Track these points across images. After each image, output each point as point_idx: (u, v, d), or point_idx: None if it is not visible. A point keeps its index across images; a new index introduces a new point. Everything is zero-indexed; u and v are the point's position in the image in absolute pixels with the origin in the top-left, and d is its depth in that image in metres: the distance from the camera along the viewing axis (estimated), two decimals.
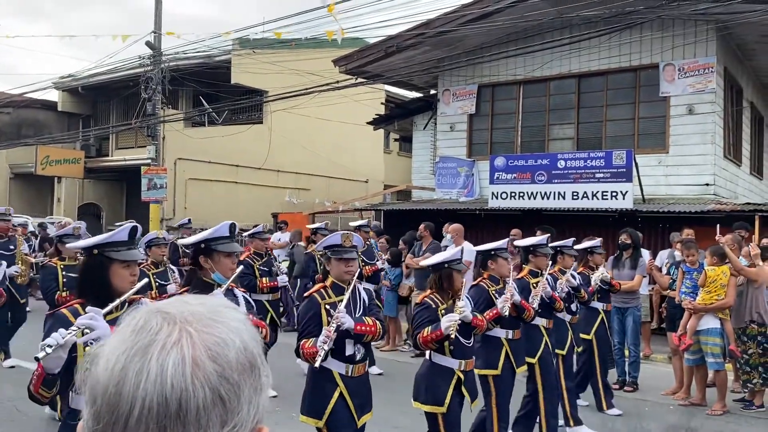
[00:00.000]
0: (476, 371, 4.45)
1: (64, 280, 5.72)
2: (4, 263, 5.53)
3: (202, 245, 3.48)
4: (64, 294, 5.63)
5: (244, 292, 3.79)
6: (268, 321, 6.56)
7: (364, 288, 3.80)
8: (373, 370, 7.49)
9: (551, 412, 5.22)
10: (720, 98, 11.36)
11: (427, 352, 4.16)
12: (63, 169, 19.61)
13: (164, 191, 15.95)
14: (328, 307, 3.65)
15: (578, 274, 6.24)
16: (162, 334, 0.69)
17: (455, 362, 4.08)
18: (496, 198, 11.67)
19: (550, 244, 5.64)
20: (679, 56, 11.30)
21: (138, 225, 3.17)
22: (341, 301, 3.63)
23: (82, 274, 3.03)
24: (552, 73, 12.50)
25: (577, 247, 6.55)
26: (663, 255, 9.11)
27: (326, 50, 15.91)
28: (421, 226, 9.12)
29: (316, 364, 3.44)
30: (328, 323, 3.56)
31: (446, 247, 9.10)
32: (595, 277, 6.29)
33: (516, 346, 4.91)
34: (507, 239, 5.80)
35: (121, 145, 20.69)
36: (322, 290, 3.76)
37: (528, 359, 5.18)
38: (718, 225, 7.19)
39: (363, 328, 3.66)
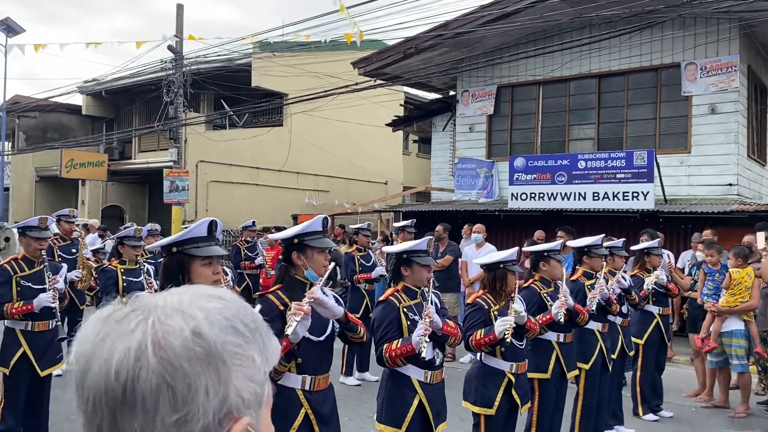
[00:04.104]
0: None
1: (124, 284, 5.44)
2: (65, 266, 5.53)
3: (295, 240, 3.22)
4: (124, 300, 5.44)
5: (332, 290, 3.62)
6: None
7: (433, 291, 3.68)
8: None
9: (587, 420, 5.13)
10: (743, 97, 11.21)
11: (478, 354, 4.12)
12: (87, 172, 19.93)
13: (186, 193, 16.13)
14: (405, 310, 3.57)
15: (632, 276, 6.04)
16: (123, 324, 0.73)
17: (506, 364, 4.03)
18: (516, 199, 11.63)
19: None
20: (701, 55, 11.18)
21: (216, 219, 2.97)
22: (425, 301, 3.56)
23: (162, 275, 2.91)
24: (572, 73, 12.44)
25: (633, 248, 6.44)
26: (686, 256, 9.03)
27: (345, 53, 15.98)
28: (441, 228, 9.10)
29: (423, 355, 3.36)
30: (408, 327, 3.49)
31: (476, 243, 9.05)
32: (649, 281, 6.03)
33: (567, 349, 4.79)
34: (560, 240, 5.53)
35: (144, 148, 20.96)
36: (396, 294, 3.66)
37: (580, 364, 5.07)
38: (757, 225, 7.07)
39: (449, 329, 3.60)
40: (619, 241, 5.89)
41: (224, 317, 0.74)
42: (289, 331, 2.87)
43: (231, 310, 0.76)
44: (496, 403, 3.97)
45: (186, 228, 3.03)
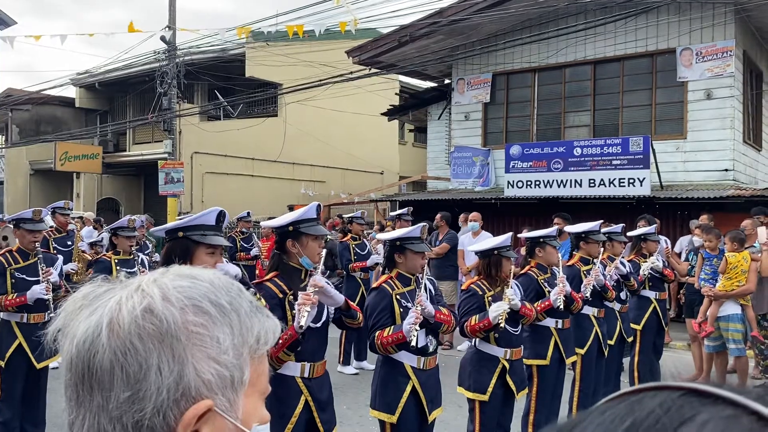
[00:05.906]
0: (524, 361, 4.38)
1: (118, 275, 5.51)
2: (61, 258, 5.53)
3: (290, 228, 3.23)
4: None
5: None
6: None
7: (427, 278, 3.70)
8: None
9: (584, 405, 5.13)
10: (739, 82, 11.19)
11: (473, 340, 4.13)
12: (81, 165, 19.83)
13: (181, 185, 16.08)
14: (398, 297, 3.57)
15: (629, 261, 6.02)
16: (95, 302, 0.73)
17: (500, 350, 4.04)
18: (512, 187, 11.62)
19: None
20: (696, 40, 11.14)
21: (225, 210, 3.02)
22: (418, 288, 3.56)
23: (163, 258, 2.93)
24: (567, 59, 12.39)
25: (630, 233, 6.43)
26: (683, 241, 9.04)
27: (339, 41, 15.88)
28: (438, 216, 9.11)
29: (413, 343, 3.37)
30: (401, 314, 3.50)
31: (472, 231, 9.02)
32: (645, 267, 6.02)
33: (565, 336, 4.80)
34: (555, 227, 5.61)
35: (138, 140, 20.87)
36: (389, 281, 3.66)
37: (576, 349, 5.07)
38: (753, 210, 7.07)
39: (441, 316, 3.60)
40: (618, 227, 5.89)
41: (186, 296, 0.72)
42: (302, 321, 2.90)
43: (199, 289, 0.74)
44: (490, 389, 3.99)
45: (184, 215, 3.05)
